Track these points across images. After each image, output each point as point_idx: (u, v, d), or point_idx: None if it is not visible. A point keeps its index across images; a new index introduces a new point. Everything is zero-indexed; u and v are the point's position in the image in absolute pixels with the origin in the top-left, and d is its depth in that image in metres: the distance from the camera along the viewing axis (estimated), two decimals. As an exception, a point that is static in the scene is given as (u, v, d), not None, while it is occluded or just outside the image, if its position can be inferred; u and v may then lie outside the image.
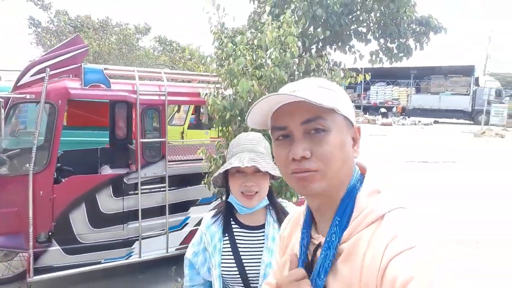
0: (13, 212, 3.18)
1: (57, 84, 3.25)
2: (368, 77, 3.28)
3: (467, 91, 25.52)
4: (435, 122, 25.96)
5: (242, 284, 1.40)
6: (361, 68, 3.47)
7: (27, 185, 3.14)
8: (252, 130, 1.78)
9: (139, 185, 3.54)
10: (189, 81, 4.51)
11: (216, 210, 1.56)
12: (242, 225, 1.47)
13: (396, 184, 7.19)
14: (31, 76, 3.25)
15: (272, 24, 2.62)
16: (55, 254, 3.34)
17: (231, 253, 1.42)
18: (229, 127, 2.80)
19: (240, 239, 1.45)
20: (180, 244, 3.94)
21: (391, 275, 0.66)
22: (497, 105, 22.27)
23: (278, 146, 0.79)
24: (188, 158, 4.15)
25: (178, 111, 8.73)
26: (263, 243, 1.42)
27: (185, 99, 3.84)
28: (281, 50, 2.59)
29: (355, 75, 3.16)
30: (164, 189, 3.71)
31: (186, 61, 13.17)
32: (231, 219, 1.48)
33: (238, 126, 2.78)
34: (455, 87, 26.29)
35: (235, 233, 1.45)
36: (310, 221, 0.87)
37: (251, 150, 1.40)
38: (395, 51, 3.35)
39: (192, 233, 3.94)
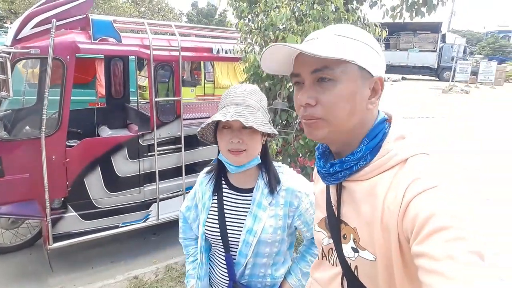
0: (26, 179, 2.96)
1: (64, 38, 2.92)
2: (385, 34, 3.23)
3: (434, 48, 26.11)
4: (403, 78, 26.62)
5: (222, 247, 1.35)
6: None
7: (39, 150, 2.91)
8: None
9: (155, 146, 3.39)
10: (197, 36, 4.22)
11: (211, 167, 1.45)
12: (231, 186, 1.37)
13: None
14: (31, 28, 2.89)
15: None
16: (71, 220, 3.20)
17: (216, 214, 1.35)
18: (264, 83, 2.67)
19: (227, 201, 1.36)
20: (195, 205, 3.90)
21: (412, 213, 0.66)
22: (462, 62, 23.07)
23: (295, 92, 0.83)
24: (200, 117, 4.00)
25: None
26: (249, 207, 1.32)
27: (199, 54, 3.60)
28: (325, 5, 2.45)
29: (380, 31, 3.09)
30: (179, 149, 3.59)
31: (164, 13, 12.36)
32: (223, 179, 1.39)
33: (272, 83, 2.67)
34: (423, 43, 26.74)
35: (224, 194, 1.37)
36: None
37: (239, 103, 1.24)
38: (419, 6, 3.28)
39: (206, 194, 3.91)
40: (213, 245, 1.40)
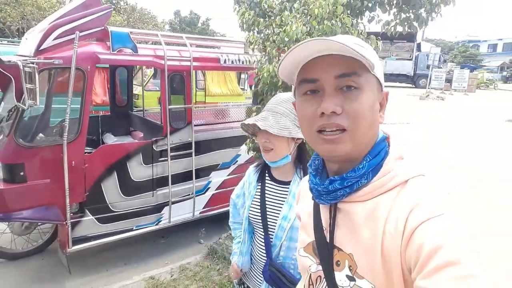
0: (47, 184, 3.06)
1: (85, 48, 3.06)
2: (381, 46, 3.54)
3: (410, 56, 27.15)
4: (381, 85, 27.47)
5: (262, 229, 1.56)
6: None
7: (60, 156, 3.03)
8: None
9: (168, 151, 3.55)
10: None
11: (259, 161, 1.71)
12: (272, 178, 1.59)
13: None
14: (54, 39, 3.02)
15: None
16: (89, 224, 3.31)
17: (259, 201, 1.57)
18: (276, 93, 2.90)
19: (268, 190, 1.58)
20: (204, 208, 4.06)
21: (417, 242, 0.63)
22: (437, 70, 24.11)
23: (304, 102, 0.75)
24: (208, 123, 4.18)
25: (155, 76, 8.41)
26: (286, 197, 1.52)
27: (207, 64, 3.80)
28: (332, 20, 2.71)
29: (377, 43, 3.38)
30: (189, 154, 3.75)
31: (147, 22, 12.44)
32: (267, 172, 1.63)
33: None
34: (400, 52, 27.78)
35: (266, 184, 1.60)
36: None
37: (269, 110, 1.49)
38: (411, 21, 3.61)
39: (214, 197, 4.09)
40: (254, 227, 1.63)
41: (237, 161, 4.22)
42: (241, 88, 9.51)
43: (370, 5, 3.28)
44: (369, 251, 0.71)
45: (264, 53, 2.97)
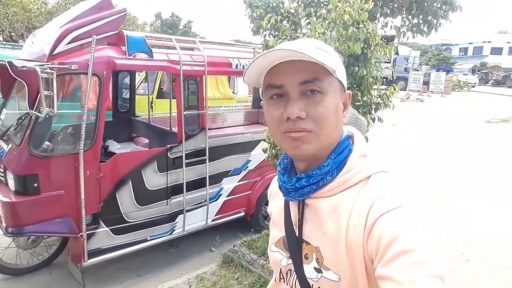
0: (61, 195, 2.91)
1: (101, 53, 2.94)
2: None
3: (388, 59, 27.82)
4: (361, 88, 28.03)
5: None
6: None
7: (75, 165, 2.90)
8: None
9: (183, 158, 3.46)
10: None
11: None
12: None
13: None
14: (67, 44, 2.88)
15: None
16: (103, 235, 3.17)
17: None
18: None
19: None
20: (216, 215, 3.99)
21: (377, 233, 0.66)
22: (415, 72, 24.81)
23: (271, 105, 0.79)
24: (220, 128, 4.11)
25: (146, 80, 8.21)
26: None
27: (220, 69, 3.73)
28: (356, 27, 2.72)
29: (396, 48, 3.43)
30: (203, 161, 3.67)
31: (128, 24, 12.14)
32: None
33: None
34: (378, 55, 28.47)
35: None
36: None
37: None
38: (423, 27, 3.69)
39: (226, 204, 4.03)
40: None
41: (247, 166, 4.17)
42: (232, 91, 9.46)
43: (388, 11, 3.31)
44: (334, 243, 0.74)
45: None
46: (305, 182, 0.79)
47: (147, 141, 4.31)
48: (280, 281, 0.91)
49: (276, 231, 0.93)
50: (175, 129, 4.56)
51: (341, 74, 0.78)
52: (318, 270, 0.78)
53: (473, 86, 28.71)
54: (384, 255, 0.64)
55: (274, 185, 0.99)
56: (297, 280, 0.83)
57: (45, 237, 3.50)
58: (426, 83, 24.48)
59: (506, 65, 36.28)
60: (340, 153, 0.79)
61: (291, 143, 0.76)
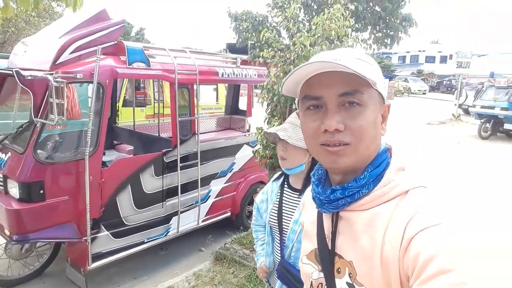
0: (65, 201, 2.97)
1: (103, 63, 3.05)
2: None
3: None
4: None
5: (278, 232, 1.72)
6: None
7: (79, 171, 2.98)
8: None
9: (178, 162, 3.63)
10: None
11: (281, 172, 1.89)
12: (290, 186, 1.75)
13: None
14: (70, 53, 2.97)
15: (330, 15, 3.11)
16: (104, 239, 3.25)
17: (277, 207, 1.73)
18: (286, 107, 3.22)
19: (286, 197, 1.74)
20: (206, 216, 4.19)
21: (414, 250, 0.65)
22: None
23: (308, 116, 0.78)
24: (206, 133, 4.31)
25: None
26: (299, 203, 1.62)
27: (210, 77, 3.96)
28: (341, 41, 3.13)
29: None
30: (194, 164, 3.87)
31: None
32: (286, 180, 1.82)
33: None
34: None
35: (284, 191, 1.76)
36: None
37: (290, 122, 1.65)
38: (386, 40, 4.23)
39: (214, 205, 4.25)
40: (273, 230, 1.80)
41: (232, 169, 4.42)
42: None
43: (360, 26, 3.78)
44: (368, 258, 0.73)
45: (278, 68, 3.27)
46: (340, 194, 0.78)
47: (131, 147, 4.40)
48: None
49: (308, 243, 0.92)
50: (163, 135, 4.71)
51: (380, 85, 0.76)
52: (351, 286, 0.76)
53: (424, 93, 30.74)
54: (421, 274, 0.63)
55: (307, 196, 0.99)
56: None
57: (37, 246, 3.48)
58: (371, 89, 26.18)
59: (439, 72, 39.90)
60: (377, 166, 0.78)
61: (329, 156, 0.75)
